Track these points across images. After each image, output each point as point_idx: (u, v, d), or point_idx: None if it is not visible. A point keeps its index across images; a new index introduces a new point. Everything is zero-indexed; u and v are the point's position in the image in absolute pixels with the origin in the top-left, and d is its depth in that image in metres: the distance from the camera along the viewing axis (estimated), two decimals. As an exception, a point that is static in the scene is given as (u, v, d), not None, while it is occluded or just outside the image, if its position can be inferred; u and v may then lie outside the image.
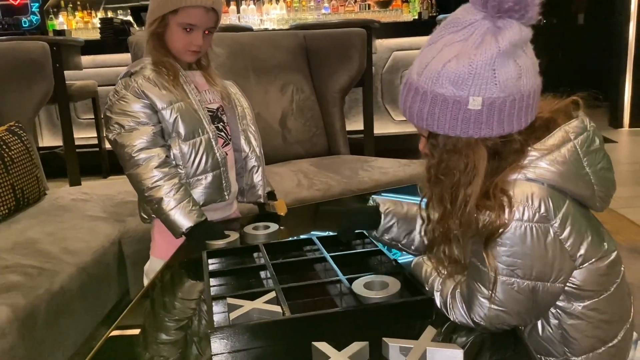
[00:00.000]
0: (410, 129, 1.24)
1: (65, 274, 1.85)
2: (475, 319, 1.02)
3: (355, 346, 0.96)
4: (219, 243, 1.51)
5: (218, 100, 1.78)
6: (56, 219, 2.24)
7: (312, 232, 1.70)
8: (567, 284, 1.03)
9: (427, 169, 1.07)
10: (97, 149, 4.90)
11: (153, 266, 1.72)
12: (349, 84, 3.20)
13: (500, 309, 1.00)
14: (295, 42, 3.18)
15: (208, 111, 1.72)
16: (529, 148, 1.01)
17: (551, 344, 1.08)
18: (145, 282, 1.75)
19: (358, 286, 1.15)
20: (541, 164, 0.99)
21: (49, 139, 5.19)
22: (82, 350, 1.89)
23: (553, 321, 1.07)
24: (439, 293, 1.09)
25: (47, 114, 5.13)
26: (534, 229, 0.97)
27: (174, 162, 1.64)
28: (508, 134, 0.99)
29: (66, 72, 3.99)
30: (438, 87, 0.94)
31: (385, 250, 1.33)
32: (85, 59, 4.58)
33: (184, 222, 1.59)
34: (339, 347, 0.96)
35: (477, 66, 0.93)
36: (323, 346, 0.97)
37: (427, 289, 1.12)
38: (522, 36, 0.95)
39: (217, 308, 1.16)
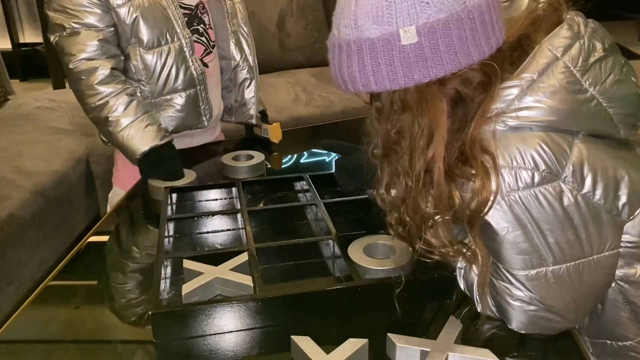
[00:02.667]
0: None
1: (16, 199, 1.58)
2: (513, 328, 0.76)
3: (350, 346, 0.70)
4: (161, 185, 1.17)
5: (198, -5, 1.41)
6: (13, 130, 1.95)
7: (306, 159, 1.42)
8: (622, 245, 0.75)
9: (379, 144, 0.77)
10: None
11: (116, 197, 1.43)
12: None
13: (543, 308, 0.73)
14: None
15: (182, 9, 1.35)
16: (502, 86, 0.71)
17: (620, 325, 0.81)
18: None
19: (356, 251, 0.87)
20: (524, 102, 0.71)
21: (31, 35, 4.77)
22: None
23: (615, 297, 0.80)
24: (462, 272, 0.82)
25: (27, 6, 4.68)
26: (539, 195, 0.69)
27: (122, 77, 1.30)
28: (468, 67, 0.70)
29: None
30: (360, 32, 0.70)
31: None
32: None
33: (138, 144, 1.25)
34: (328, 342, 0.70)
35: None
36: (305, 344, 0.70)
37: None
38: None
39: (171, 272, 0.88)
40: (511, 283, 0.73)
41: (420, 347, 0.70)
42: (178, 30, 1.32)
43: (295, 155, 1.46)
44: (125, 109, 1.26)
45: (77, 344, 0.80)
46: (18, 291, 1.56)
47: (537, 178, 0.69)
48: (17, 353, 0.78)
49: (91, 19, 1.25)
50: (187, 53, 1.33)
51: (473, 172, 0.70)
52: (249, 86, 1.51)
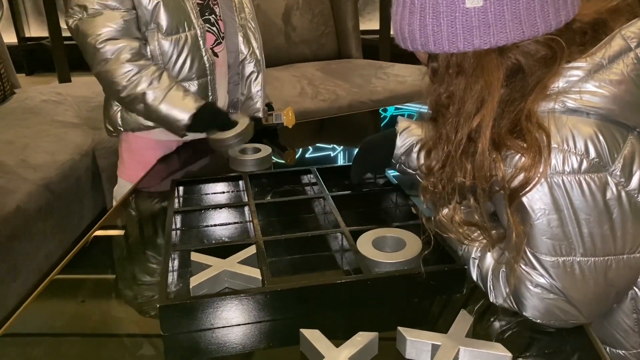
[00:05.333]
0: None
1: (23, 192, 1.58)
2: (528, 316, 0.74)
3: (360, 339, 0.69)
4: (228, 135, 1.26)
5: (210, -14, 1.40)
6: (20, 124, 1.95)
7: (313, 153, 1.41)
8: None
9: (429, 105, 0.77)
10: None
11: (122, 190, 1.43)
12: (365, -26, 2.79)
13: (563, 298, 0.72)
14: None
15: None
16: (568, 65, 0.69)
17: (622, 332, 0.80)
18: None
19: (365, 244, 0.86)
20: (587, 86, 0.68)
21: (36, 29, 4.77)
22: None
23: (626, 303, 0.79)
24: (476, 262, 0.81)
25: (33, 1, 4.68)
26: (583, 183, 0.67)
27: (147, 54, 1.30)
28: (532, 38, 0.68)
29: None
30: None
31: (402, 189, 1.04)
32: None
33: (182, 112, 1.27)
34: (338, 336, 0.69)
35: None
36: (314, 337, 0.69)
37: (460, 254, 0.83)
38: None
39: (178, 265, 0.88)
40: (534, 268, 0.71)
41: (431, 341, 0.68)
42: (193, 20, 1.32)
43: (302, 148, 1.45)
44: (159, 81, 1.27)
45: (83, 337, 0.79)
46: (24, 285, 1.56)
47: (584, 165, 0.67)
48: (24, 346, 0.77)
49: (113, 1, 1.26)
50: (200, 43, 1.34)
51: (525, 146, 0.68)
52: (255, 79, 1.51)
